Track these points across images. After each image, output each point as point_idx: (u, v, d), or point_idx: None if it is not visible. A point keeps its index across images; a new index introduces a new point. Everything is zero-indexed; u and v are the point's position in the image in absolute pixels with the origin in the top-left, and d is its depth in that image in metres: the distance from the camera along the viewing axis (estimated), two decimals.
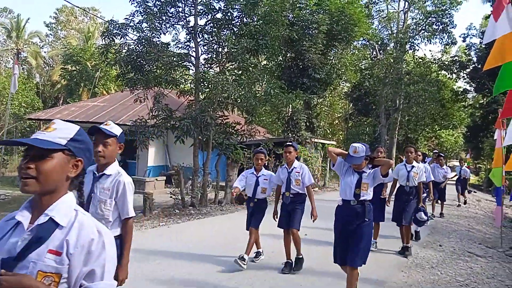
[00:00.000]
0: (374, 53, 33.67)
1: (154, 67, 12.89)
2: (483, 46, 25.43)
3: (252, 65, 13.18)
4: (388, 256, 6.95)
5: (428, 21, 31.85)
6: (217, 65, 13.39)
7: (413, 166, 7.10)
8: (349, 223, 4.56)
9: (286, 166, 5.90)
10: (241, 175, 6.29)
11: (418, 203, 7.12)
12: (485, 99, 34.21)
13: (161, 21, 12.59)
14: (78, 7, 43.00)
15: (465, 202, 15.45)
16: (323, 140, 23.69)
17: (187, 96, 13.68)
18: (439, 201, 11.89)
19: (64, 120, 1.71)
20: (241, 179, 6.17)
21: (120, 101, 20.66)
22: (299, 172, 5.80)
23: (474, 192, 20.91)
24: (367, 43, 32.26)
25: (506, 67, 5.55)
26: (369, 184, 4.60)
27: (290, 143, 5.94)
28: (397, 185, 7.39)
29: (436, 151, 13.68)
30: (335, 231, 4.74)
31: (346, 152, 4.76)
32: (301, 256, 5.95)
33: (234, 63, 13.09)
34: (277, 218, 5.98)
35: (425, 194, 8.30)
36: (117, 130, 3.09)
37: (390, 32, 34.58)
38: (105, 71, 33.72)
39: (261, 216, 5.98)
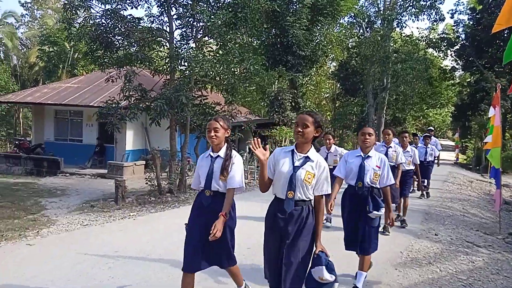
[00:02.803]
0: (361, 31, 32.77)
1: (126, 43, 11.91)
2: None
3: (231, 41, 12.20)
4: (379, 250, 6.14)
5: None
6: (193, 40, 12.42)
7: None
8: None
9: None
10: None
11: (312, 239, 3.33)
12: (472, 77, 33.72)
13: None
14: None
15: (422, 194, 11.45)
16: None
17: (163, 75, 12.75)
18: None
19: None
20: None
21: (95, 82, 19.54)
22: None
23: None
24: (354, 20, 31.40)
25: None
26: None
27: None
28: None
29: (431, 128, 10.97)
30: None
31: None
32: None
33: (211, 38, 12.12)
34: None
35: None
36: None
37: (377, 9, 33.61)
38: (84, 52, 32.30)
39: None
